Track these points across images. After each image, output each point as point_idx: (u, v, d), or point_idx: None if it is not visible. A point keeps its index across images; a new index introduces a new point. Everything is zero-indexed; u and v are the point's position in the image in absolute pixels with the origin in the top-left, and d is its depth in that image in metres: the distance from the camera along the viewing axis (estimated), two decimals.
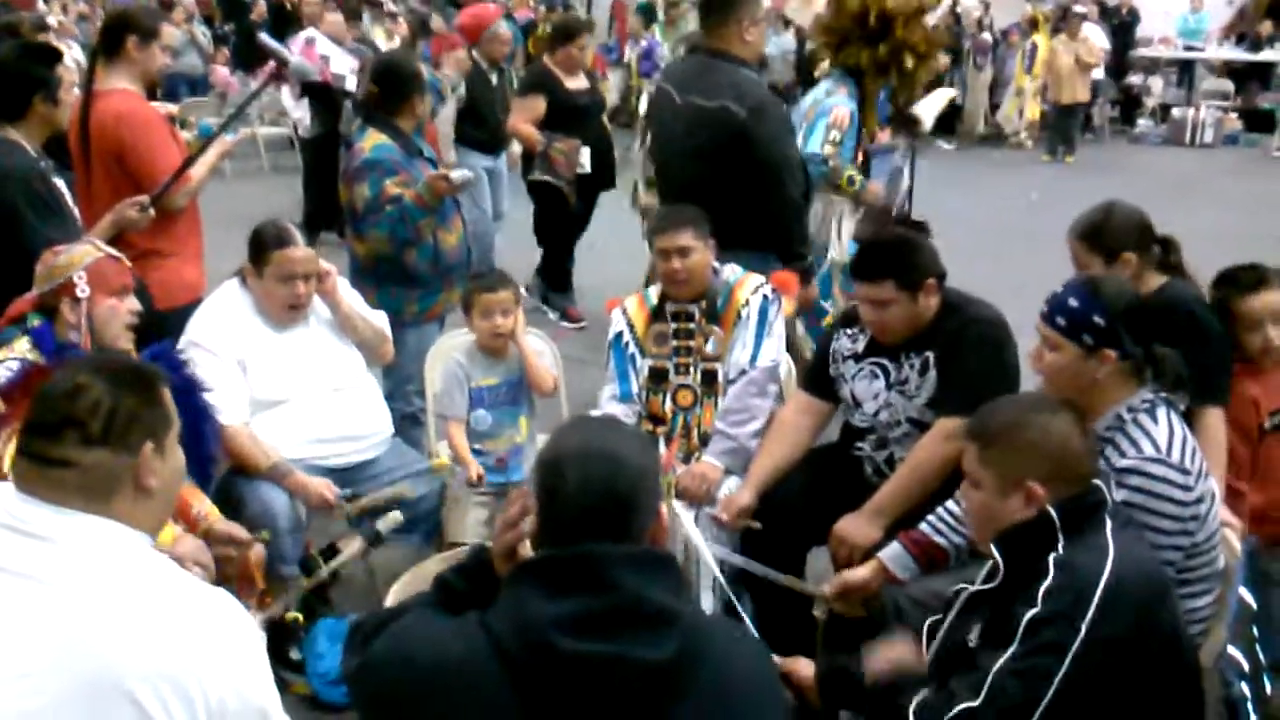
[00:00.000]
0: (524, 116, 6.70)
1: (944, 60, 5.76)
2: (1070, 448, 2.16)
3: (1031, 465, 2.15)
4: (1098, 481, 2.17)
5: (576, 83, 6.79)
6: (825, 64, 5.60)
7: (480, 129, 7.14)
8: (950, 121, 14.32)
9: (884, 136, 5.54)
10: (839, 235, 5.19)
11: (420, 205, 4.01)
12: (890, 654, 2.35)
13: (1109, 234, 3.14)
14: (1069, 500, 2.13)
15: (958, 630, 2.24)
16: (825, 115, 4.91)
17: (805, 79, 14.50)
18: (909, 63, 5.02)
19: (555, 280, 7.19)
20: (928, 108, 5.82)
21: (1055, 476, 2.14)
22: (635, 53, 14.49)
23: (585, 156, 6.61)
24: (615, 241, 7.47)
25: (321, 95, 8.24)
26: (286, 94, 8.99)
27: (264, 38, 7.98)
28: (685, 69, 4.51)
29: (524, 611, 1.60)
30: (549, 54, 6.87)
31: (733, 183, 4.09)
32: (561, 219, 6.89)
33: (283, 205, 9.79)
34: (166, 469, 1.75)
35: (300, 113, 8.91)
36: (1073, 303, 2.51)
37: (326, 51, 8.20)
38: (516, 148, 7.67)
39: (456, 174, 4.07)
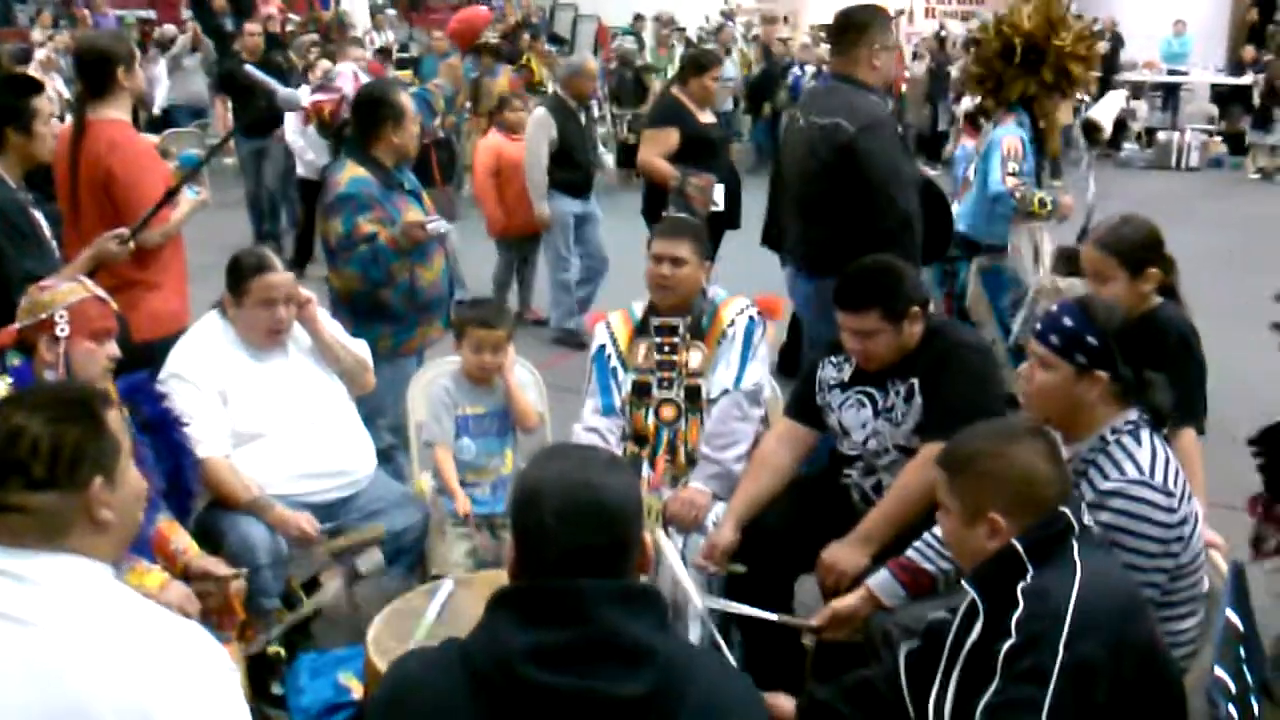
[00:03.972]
0: (656, 150, 6.29)
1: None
2: (1034, 478, 2.13)
3: (993, 496, 2.13)
4: (1064, 509, 2.15)
5: (707, 115, 6.48)
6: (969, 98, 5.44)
7: (570, 170, 6.90)
8: (936, 147, 14.38)
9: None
10: (1038, 259, 5.07)
11: (394, 249, 3.95)
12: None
13: (1139, 247, 3.12)
14: (1034, 529, 2.11)
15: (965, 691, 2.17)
16: (997, 148, 4.81)
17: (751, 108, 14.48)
18: (1078, 70, 4.91)
19: None
20: (1104, 112, 5.63)
21: (1017, 507, 2.12)
22: None
23: (719, 194, 6.22)
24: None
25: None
26: (290, 128, 8.48)
27: (250, 69, 7.94)
28: (814, 92, 4.58)
29: (497, 639, 1.58)
30: (680, 85, 6.53)
31: (844, 200, 4.08)
32: None
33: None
34: (119, 497, 1.71)
35: (311, 154, 8.25)
36: (1067, 322, 2.51)
37: None
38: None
39: (433, 225, 3.98)
